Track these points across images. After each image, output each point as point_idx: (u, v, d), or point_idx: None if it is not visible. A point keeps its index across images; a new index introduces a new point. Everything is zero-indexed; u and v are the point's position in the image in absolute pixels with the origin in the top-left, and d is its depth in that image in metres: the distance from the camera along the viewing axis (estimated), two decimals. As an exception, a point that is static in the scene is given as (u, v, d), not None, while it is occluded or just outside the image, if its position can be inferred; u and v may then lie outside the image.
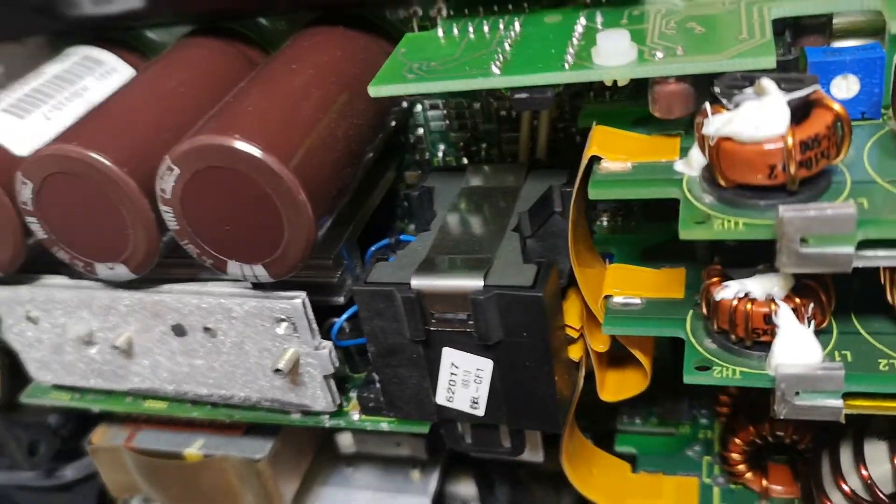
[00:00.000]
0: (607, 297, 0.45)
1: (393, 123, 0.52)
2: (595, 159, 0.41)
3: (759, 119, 0.34)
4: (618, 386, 0.50)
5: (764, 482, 0.52)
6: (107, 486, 0.62)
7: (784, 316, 0.38)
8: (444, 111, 0.55)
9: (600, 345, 0.46)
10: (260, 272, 0.43)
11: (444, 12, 0.48)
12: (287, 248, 0.42)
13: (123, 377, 0.52)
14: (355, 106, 0.46)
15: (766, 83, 0.34)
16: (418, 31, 0.50)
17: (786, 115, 0.33)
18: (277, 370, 0.46)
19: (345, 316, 0.48)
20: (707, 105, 0.36)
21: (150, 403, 0.55)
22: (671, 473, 0.55)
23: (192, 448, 0.58)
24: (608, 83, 0.42)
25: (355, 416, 0.50)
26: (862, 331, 0.40)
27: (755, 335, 0.39)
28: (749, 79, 0.35)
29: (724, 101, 0.35)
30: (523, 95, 0.41)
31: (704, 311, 0.41)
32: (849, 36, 0.42)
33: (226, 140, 0.39)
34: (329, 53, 0.47)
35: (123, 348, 0.50)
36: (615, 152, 0.41)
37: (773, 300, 0.38)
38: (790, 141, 0.33)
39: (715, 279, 0.40)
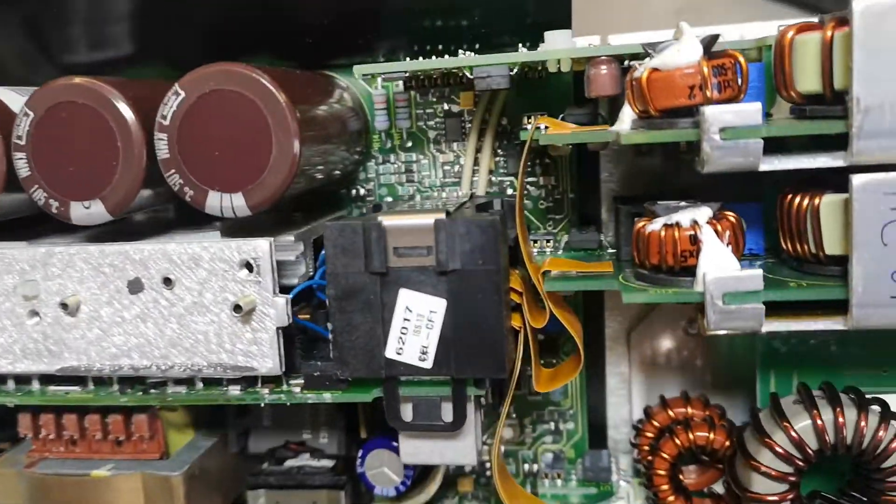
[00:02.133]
0: (546, 273, 0.50)
1: (352, 160, 0.59)
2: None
3: (680, 51, 0.43)
4: (551, 379, 0.52)
5: (691, 509, 0.53)
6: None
7: (707, 234, 0.44)
8: (395, 165, 0.62)
9: (539, 322, 0.50)
10: (239, 202, 0.47)
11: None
12: (270, 174, 0.46)
13: (57, 355, 0.51)
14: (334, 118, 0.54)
15: (684, 25, 0.44)
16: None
17: (700, 48, 0.43)
18: (237, 307, 0.47)
19: (302, 285, 0.51)
20: (635, 63, 0.46)
21: (73, 395, 0.53)
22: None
23: (100, 470, 0.54)
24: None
25: (297, 390, 0.50)
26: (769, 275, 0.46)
27: (683, 259, 0.44)
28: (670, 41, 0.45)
29: (651, 52, 0.45)
30: (484, 76, 0.49)
31: (636, 254, 0.47)
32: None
33: (233, 66, 0.46)
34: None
35: (71, 309, 0.49)
36: (558, 127, 0.49)
37: (696, 223, 0.44)
38: (705, 65, 0.43)
39: (645, 219, 0.46)
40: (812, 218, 0.44)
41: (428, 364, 0.47)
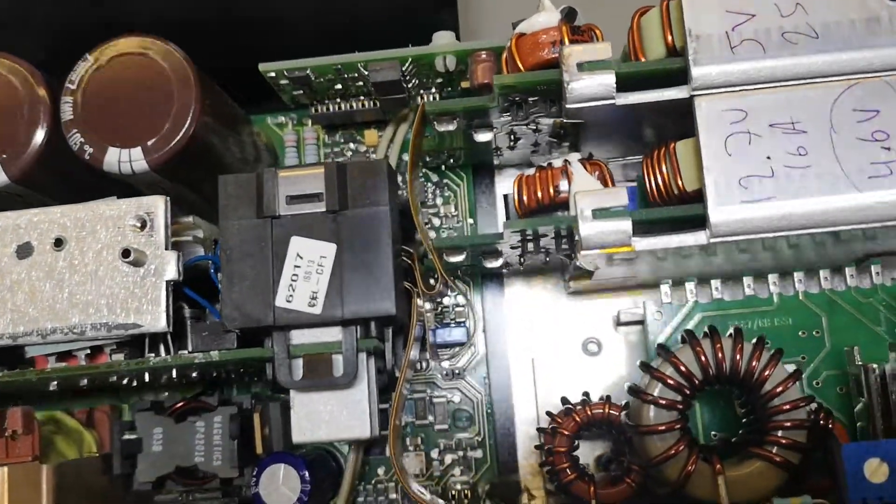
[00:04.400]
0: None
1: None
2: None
3: (541, 16, 0.49)
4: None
5: (592, 489, 0.51)
6: None
7: (576, 166, 0.48)
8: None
9: (429, 288, 0.51)
10: (137, 156, 0.49)
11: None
12: (170, 128, 0.49)
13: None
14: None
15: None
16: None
17: (558, 15, 0.49)
18: (126, 251, 0.47)
19: (198, 258, 0.51)
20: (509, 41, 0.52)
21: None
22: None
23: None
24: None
25: (184, 351, 0.49)
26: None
27: (556, 193, 0.48)
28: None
29: (518, 27, 0.51)
30: (378, 68, 0.55)
31: (518, 208, 0.50)
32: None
33: (146, 36, 0.50)
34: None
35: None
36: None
37: (567, 161, 0.48)
38: (564, 27, 0.49)
39: (522, 174, 0.50)
40: (670, 162, 0.48)
41: (317, 310, 0.47)
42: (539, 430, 0.55)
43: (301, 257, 0.48)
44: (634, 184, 0.55)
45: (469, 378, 0.62)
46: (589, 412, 0.52)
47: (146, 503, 0.56)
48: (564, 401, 0.56)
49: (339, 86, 0.58)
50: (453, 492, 0.59)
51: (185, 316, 0.50)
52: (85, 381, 0.51)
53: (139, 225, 0.49)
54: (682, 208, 0.46)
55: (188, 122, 0.49)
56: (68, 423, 0.60)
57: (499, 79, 0.48)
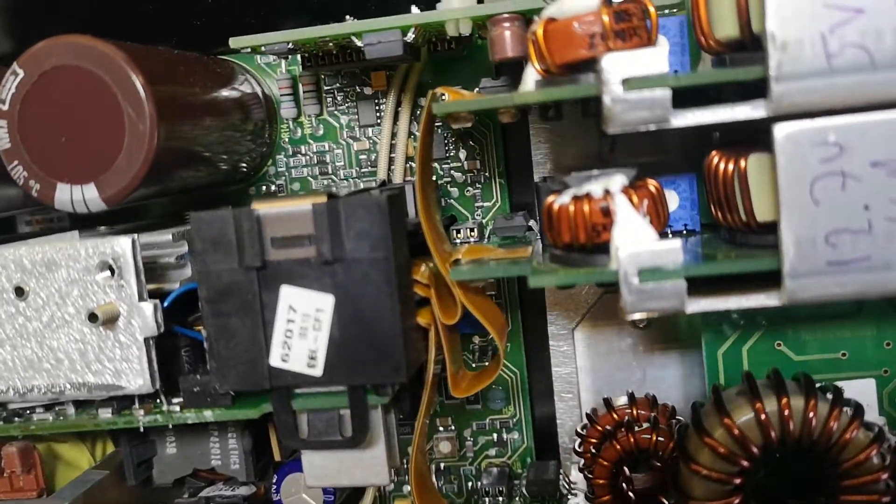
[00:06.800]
0: (456, 262, 0.45)
1: (258, 152, 0.54)
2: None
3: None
4: (470, 381, 0.47)
5: (631, 514, 0.47)
6: None
7: (620, 203, 0.38)
8: (307, 156, 0.57)
9: (451, 317, 0.44)
10: (91, 195, 0.41)
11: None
12: (124, 160, 0.40)
13: None
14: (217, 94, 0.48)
15: (581, -31, 0.38)
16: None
17: (598, -7, 0.38)
18: (92, 316, 0.41)
19: (180, 290, 0.45)
20: (535, 18, 0.40)
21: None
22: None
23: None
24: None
25: (176, 409, 0.44)
26: (699, 249, 0.41)
27: (596, 234, 0.39)
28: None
29: (548, 9, 0.39)
30: (375, 42, 0.44)
31: (549, 234, 0.41)
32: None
33: (76, 38, 0.40)
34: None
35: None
36: (458, 97, 0.44)
37: (609, 193, 0.39)
38: (605, 11, 0.37)
39: (555, 194, 0.41)
40: (740, 181, 0.39)
41: (317, 371, 0.41)
42: (576, 452, 0.49)
43: (294, 310, 0.41)
44: (695, 174, 0.45)
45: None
46: (632, 440, 0.47)
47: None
48: (608, 403, 0.51)
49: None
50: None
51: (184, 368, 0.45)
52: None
53: (106, 274, 0.42)
54: (752, 262, 0.37)
55: (145, 150, 0.40)
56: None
57: (520, 97, 0.38)
